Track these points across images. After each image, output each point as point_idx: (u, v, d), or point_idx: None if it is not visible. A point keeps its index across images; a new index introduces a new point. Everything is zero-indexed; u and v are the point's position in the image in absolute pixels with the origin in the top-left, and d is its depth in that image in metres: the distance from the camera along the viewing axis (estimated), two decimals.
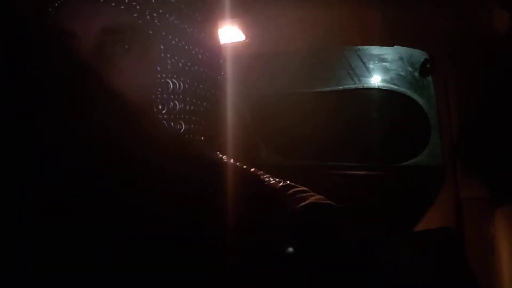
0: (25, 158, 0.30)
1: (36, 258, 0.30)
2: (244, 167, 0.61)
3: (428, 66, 1.57)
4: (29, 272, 0.30)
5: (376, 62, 2.00)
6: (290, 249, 0.41)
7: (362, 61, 2.00)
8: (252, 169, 0.70)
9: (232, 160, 0.71)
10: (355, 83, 2.20)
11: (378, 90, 2.20)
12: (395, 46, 1.51)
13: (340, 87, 2.25)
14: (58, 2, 0.56)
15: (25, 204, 0.30)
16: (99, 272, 0.31)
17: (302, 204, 0.59)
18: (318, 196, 0.61)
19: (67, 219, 0.31)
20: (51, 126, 0.32)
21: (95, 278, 0.31)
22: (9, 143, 0.30)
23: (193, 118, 0.60)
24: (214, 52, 0.64)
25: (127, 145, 0.35)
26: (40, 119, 0.31)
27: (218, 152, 0.70)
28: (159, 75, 0.56)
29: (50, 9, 0.57)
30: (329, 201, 0.60)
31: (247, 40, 1.50)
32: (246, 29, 1.45)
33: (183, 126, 0.58)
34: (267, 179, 0.67)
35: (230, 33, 1.44)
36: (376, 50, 1.88)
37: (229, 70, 0.68)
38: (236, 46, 1.52)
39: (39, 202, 0.30)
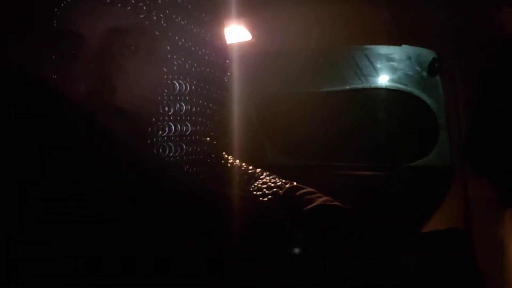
0: (27, 158, 0.30)
1: (35, 259, 0.30)
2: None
3: (436, 65, 1.56)
4: (28, 273, 0.30)
5: (384, 61, 1.99)
6: (298, 251, 0.41)
7: (369, 60, 1.99)
8: (257, 172, 0.70)
9: (237, 161, 0.71)
10: (362, 82, 2.19)
11: (386, 90, 2.19)
12: (402, 46, 1.50)
13: (347, 87, 2.24)
14: (64, 2, 0.56)
15: (26, 205, 0.30)
16: (100, 274, 0.31)
17: (310, 206, 0.58)
18: (326, 198, 0.61)
19: (69, 219, 0.31)
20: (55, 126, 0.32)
21: (96, 280, 0.31)
22: (12, 143, 0.30)
23: (199, 119, 0.59)
24: (220, 52, 0.64)
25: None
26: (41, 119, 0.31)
27: (224, 153, 0.70)
28: (165, 77, 0.56)
29: (56, 9, 0.57)
30: (336, 203, 0.60)
31: (253, 40, 1.49)
32: (252, 28, 1.44)
33: (189, 127, 0.57)
34: (273, 180, 0.67)
35: (236, 33, 1.44)
36: (383, 49, 1.87)
37: (236, 70, 0.67)
38: (243, 46, 1.52)
39: (40, 202, 0.30)
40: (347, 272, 0.49)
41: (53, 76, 0.59)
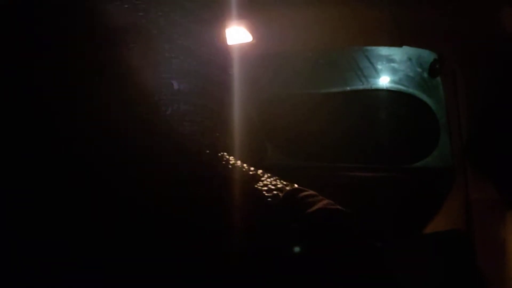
0: (35, 151, 0.30)
1: (40, 258, 0.30)
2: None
3: (437, 66, 1.56)
4: (33, 271, 0.30)
5: (384, 62, 1.99)
6: (299, 253, 0.41)
7: (370, 61, 1.99)
8: (258, 173, 0.70)
9: (238, 162, 0.70)
10: (363, 84, 2.19)
11: (386, 91, 2.18)
12: (403, 47, 1.50)
13: (348, 88, 2.24)
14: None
15: (32, 200, 0.30)
16: (104, 267, 0.31)
17: (311, 209, 0.58)
18: (327, 201, 0.60)
19: (75, 214, 0.31)
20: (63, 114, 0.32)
21: (100, 274, 0.31)
22: (21, 135, 0.30)
23: (198, 119, 0.59)
24: (220, 51, 0.63)
25: (139, 142, 0.34)
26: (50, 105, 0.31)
27: (224, 153, 0.69)
28: (163, 76, 0.56)
29: None
30: (338, 206, 0.59)
31: (254, 41, 1.49)
32: (253, 30, 1.44)
33: (187, 127, 0.57)
34: (274, 182, 0.66)
35: (237, 34, 1.44)
36: (384, 50, 1.87)
37: (236, 71, 0.67)
38: (243, 47, 1.52)
39: (46, 196, 0.30)
40: (346, 275, 0.49)
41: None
